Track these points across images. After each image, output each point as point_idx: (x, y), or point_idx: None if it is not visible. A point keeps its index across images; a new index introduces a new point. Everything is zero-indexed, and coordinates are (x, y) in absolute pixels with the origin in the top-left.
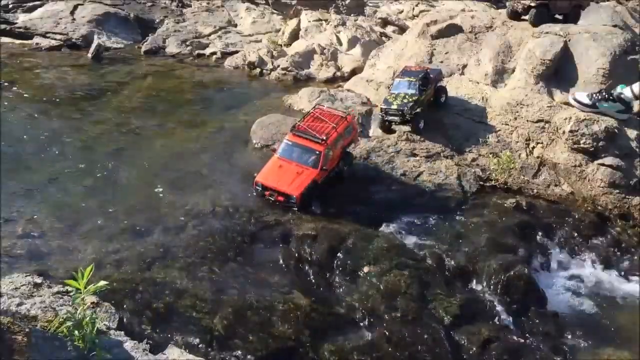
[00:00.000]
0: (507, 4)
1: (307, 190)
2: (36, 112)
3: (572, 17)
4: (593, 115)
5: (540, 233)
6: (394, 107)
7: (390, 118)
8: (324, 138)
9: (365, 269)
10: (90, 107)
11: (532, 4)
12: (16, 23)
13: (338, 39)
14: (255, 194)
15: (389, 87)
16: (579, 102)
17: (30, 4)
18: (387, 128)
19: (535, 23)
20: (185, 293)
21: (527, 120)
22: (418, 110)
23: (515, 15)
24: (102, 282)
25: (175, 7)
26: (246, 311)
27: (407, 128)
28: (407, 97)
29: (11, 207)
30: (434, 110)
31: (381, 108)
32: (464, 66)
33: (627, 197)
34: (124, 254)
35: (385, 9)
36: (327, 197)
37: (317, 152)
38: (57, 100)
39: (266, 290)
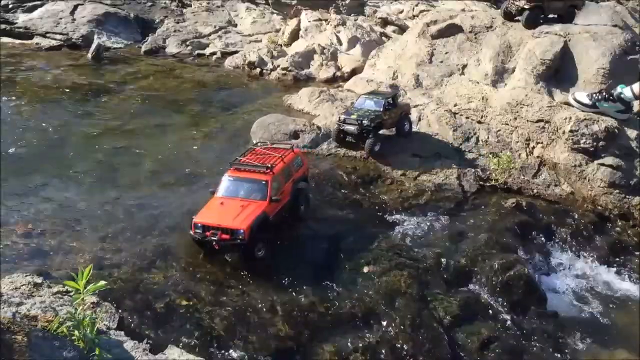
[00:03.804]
0: (502, 4)
1: (257, 223)
2: (36, 112)
3: (567, 17)
4: (593, 115)
5: (540, 233)
6: (354, 117)
7: (347, 127)
8: (270, 166)
9: (365, 269)
10: (90, 107)
11: (526, 6)
12: (16, 23)
13: (338, 38)
14: (194, 240)
15: (352, 103)
16: (579, 102)
17: (30, 4)
18: (342, 139)
19: (528, 25)
20: (185, 293)
21: (527, 120)
22: (377, 126)
23: (509, 17)
24: (101, 282)
25: (175, 7)
26: (246, 311)
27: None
28: (369, 112)
29: (11, 207)
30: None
31: (339, 117)
32: (464, 66)
33: (627, 197)
34: (124, 254)
35: (385, 8)
36: (324, 199)
37: (264, 182)
38: (57, 100)
39: (266, 290)
